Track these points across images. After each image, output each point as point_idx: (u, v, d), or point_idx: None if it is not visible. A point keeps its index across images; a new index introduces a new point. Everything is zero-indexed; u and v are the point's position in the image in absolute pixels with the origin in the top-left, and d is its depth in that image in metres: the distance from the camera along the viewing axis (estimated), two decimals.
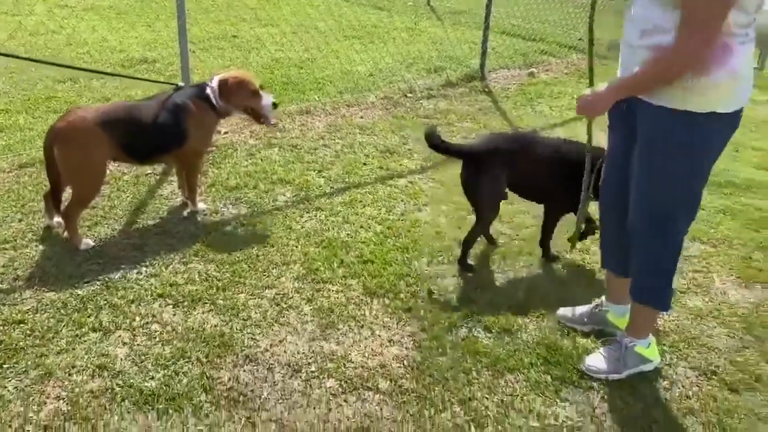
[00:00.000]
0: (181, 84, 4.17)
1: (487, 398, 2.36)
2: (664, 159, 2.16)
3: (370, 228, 3.49)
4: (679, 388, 2.45)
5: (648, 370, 2.49)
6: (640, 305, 2.42)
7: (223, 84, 3.31)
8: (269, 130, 4.65)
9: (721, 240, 3.53)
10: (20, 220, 3.34)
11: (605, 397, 2.39)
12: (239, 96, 3.35)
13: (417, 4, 10.01)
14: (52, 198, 3.18)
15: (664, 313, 2.65)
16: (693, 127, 2.08)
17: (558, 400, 2.37)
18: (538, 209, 3.32)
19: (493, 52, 7.05)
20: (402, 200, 3.85)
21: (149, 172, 3.98)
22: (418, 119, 5.29)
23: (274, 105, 3.45)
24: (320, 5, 9.31)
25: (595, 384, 2.45)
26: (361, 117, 5.26)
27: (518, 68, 7.01)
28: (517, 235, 3.50)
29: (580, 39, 7.93)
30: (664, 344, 2.67)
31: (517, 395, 2.38)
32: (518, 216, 3.69)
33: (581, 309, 2.76)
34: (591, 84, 2.47)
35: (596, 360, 2.50)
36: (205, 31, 7.31)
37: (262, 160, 4.26)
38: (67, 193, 3.21)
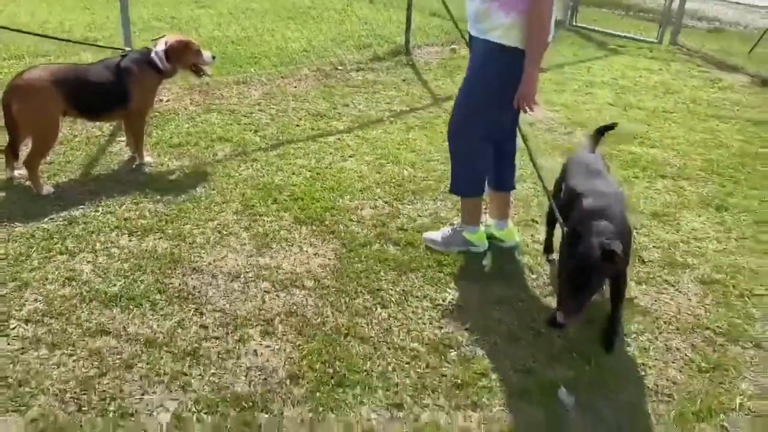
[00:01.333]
0: (128, 49, 4.56)
1: (391, 289, 2.94)
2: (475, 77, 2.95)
3: (300, 174, 4.02)
4: (543, 278, 3.09)
5: (476, 251, 3.23)
6: (461, 198, 3.22)
7: (171, 48, 3.78)
8: (208, 97, 5.11)
9: None
10: None
11: (484, 286, 3.01)
12: (187, 56, 3.85)
13: None
14: (11, 151, 3.59)
15: (479, 198, 3.23)
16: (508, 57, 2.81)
17: (448, 289, 2.97)
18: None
19: (419, 30, 7.63)
20: (330, 153, 4.39)
21: (98, 133, 4.39)
22: (348, 88, 5.82)
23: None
24: None
25: (479, 278, 3.06)
26: (295, 87, 5.76)
27: (441, 45, 7.62)
28: (427, 177, 4.09)
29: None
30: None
31: (416, 286, 2.98)
32: (430, 162, 4.28)
33: (445, 232, 3.35)
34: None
35: (434, 235, 3.30)
36: (145, 13, 7.63)
37: (202, 122, 4.73)
38: (25, 148, 3.61)
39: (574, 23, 9.10)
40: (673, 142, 4.88)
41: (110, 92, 3.67)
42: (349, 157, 4.35)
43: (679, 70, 7.17)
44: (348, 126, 4.92)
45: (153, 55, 3.78)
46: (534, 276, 3.13)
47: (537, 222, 3.62)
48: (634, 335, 2.75)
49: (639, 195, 3.99)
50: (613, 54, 7.73)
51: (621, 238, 2.43)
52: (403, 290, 2.95)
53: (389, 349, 2.59)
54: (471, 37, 2.99)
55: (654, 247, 3.42)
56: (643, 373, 2.54)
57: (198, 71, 3.97)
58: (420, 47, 7.37)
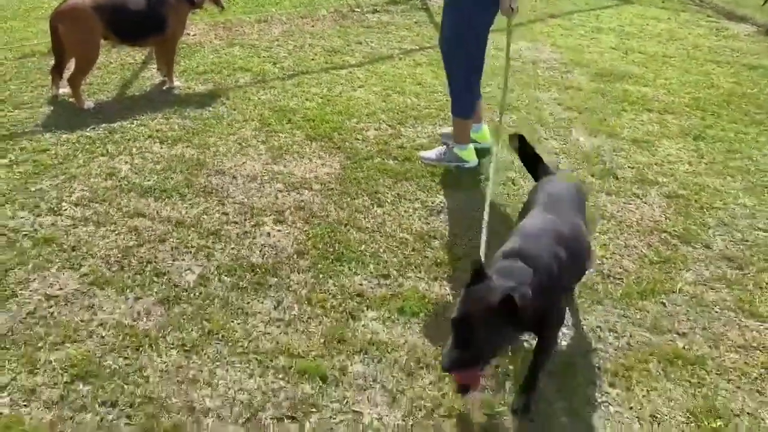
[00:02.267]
0: None
1: (388, 193, 3.37)
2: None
3: (313, 100, 4.42)
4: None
5: (466, 166, 3.62)
6: (455, 119, 3.59)
7: None
8: (231, 33, 5.50)
9: (586, 108, 4.55)
10: (32, 91, 4.18)
11: (469, 194, 3.42)
12: None
13: None
14: (57, 70, 4.03)
15: (469, 118, 3.63)
16: None
17: (438, 195, 3.38)
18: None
19: None
20: (341, 84, 4.77)
21: (132, 61, 4.82)
22: (362, 28, 6.16)
23: None
24: None
25: (466, 188, 3.47)
26: (313, 26, 6.10)
27: None
28: (429, 106, 4.46)
29: None
30: None
31: (409, 191, 3.39)
32: (433, 94, 4.65)
33: (439, 150, 3.77)
34: None
35: (429, 153, 3.70)
36: None
37: (225, 54, 5.12)
38: (69, 70, 4.05)
39: None
40: (666, 83, 5.17)
41: (148, 20, 4.07)
42: (359, 87, 4.72)
43: (687, 20, 7.34)
44: (359, 61, 5.28)
45: None
46: (516, 187, 3.52)
47: None
48: (597, 234, 3.15)
49: (623, 125, 4.32)
50: (624, 3, 7.90)
51: (541, 287, 1.97)
52: (398, 194, 3.37)
53: (382, 236, 3.02)
54: None
55: (629, 167, 3.78)
56: (599, 263, 2.95)
57: (218, 2, 4.39)
58: None
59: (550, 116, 4.39)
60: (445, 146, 3.71)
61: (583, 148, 3.99)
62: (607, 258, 2.99)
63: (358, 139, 3.93)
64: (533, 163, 2.79)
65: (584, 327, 2.58)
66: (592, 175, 3.66)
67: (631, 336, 2.55)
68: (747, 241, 3.18)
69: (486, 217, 2.63)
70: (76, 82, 3.97)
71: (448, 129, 3.91)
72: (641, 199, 3.48)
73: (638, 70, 5.45)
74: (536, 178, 2.74)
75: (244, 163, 3.56)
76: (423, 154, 3.72)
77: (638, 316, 2.65)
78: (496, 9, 3.18)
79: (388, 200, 3.31)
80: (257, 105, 4.26)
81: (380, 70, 5.06)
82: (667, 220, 3.30)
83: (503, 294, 1.83)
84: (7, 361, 2.23)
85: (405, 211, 3.23)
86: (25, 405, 2.08)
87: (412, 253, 2.92)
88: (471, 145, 3.67)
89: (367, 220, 3.14)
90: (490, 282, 1.93)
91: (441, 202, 3.33)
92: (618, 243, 3.10)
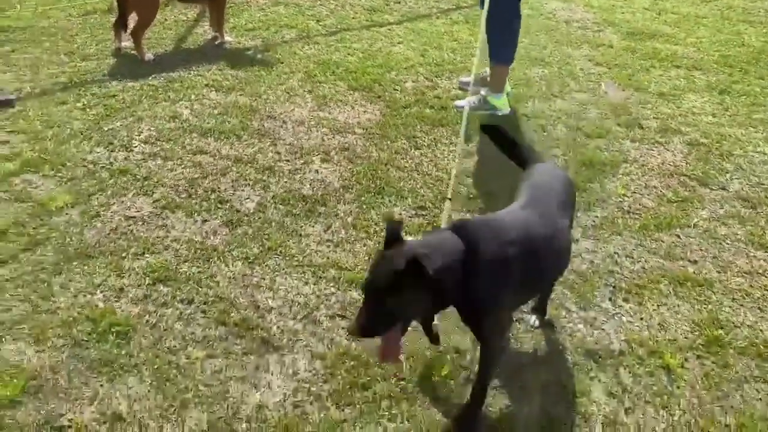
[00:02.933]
0: None
1: (425, 137, 3.65)
2: None
3: (354, 54, 4.69)
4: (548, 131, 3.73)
5: (499, 114, 3.86)
6: (492, 65, 3.80)
7: None
8: None
9: (616, 64, 4.73)
10: (96, 45, 4.53)
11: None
12: None
13: None
14: (120, 25, 4.37)
15: (508, 65, 3.89)
16: None
17: (474, 140, 3.65)
18: None
19: None
20: (381, 40, 5.02)
21: (185, 18, 5.13)
22: None
23: None
24: None
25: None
26: None
27: None
28: (465, 61, 4.69)
29: None
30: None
31: (444, 136, 3.67)
32: (469, 49, 4.87)
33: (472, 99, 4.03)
34: None
35: (463, 102, 3.85)
36: None
37: (271, 13, 5.40)
38: (130, 23, 4.39)
39: None
40: (696, 41, 5.29)
41: None
42: (398, 43, 4.97)
43: None
44: (398, 19, 5.51)
45: None
46: (537, 130, 3.76)
47: (556, 96, 4.21)
48: (620, 175, 3.39)
49: (651, 80, 4.50)
50: None
51: (473, 267, 1.81)
52: (434, 138, 3.64)
53: (419, 175, 3.32)
54: None
55: (654, 117, 3.99)
56: (620, 200, 3.20)
57: None
58: None
59: (580, 71, 4.59)
60: (478, 96, 3.96)
61: (611, 100, 4.20)
62: (627, 196, 3.23)
63: (397, 90, 4.19)
64: (512, 151, 2.54)
65: (602, 253, 2.85)
66: (618, 125, 3.88)
67: (645, 261, 2.81)
68: (763, 184, 3.38)
69: (450, 189, 2.64)
70: (138, 36, 4.30)
71: (466, 77, 4.15)
72: (664, 146, 3.69)
73: (670, 30, 5.57)
74: (521, 165, 2.45)
75: (292, 110, 3.87)
76: (457, 103, 3.97)
77: (653, 246, 2.91)
78: None
79: (425, 143, 3.59)
80: (302, 59, 4.55)
81: (418, 28, 5.29)
82: (687, 165, 3.52)
83: (409, 257, 1.70)
84: (97, 267, 2.60)
85: (441, 153, 3.51)
86: (116, 300, 2.45)
87: (447, 189, 3.20)
88: (505, 94, 3.91)
89: (405, 160, 3.43)
90: (403, 246, 1.81)
91: (474, 144, 3.60)
92: (639, 184, 3.34)
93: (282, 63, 4.46)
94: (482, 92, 3.95)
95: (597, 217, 3.07)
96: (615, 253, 2.85)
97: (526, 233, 1.96)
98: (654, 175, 3.42)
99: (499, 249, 1.87)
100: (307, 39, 4.91)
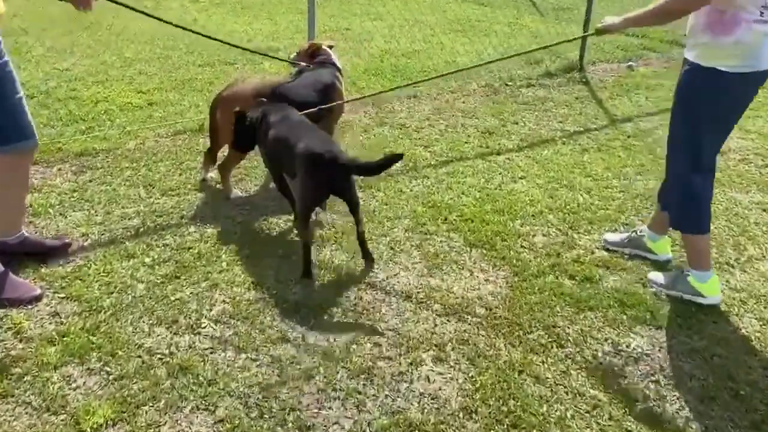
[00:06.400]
0: (303, 64, 4.67)
1: (568, 327, 2.79)
2: (681, 105, 2.77)
3: (470, 194, 3.96)
4: (743, 331, 2.77)
5: (701, 302, 2.92)
6: (683, 235, 2.94)
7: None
8: (380, 110, 5.21)
9: None
10: (180, 174, 4.05)
11: (673, 334, 2.76)
12: None
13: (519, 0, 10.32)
14: (210, 155, 3.87)
15: (702, 234, 2.90)
16: (702, 78, 2.63)
17: (631, 333, 2.76)
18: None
19: (593, 46, 7.30)
20: (500, 173, 4.29)
21: None
22: (517, 105, 5.69)
23: None
24: (425, 1, 9.83)
25: (664, 324, 2.81)
26: (463, 102, 5.72)
27: (618, 62, 7.23)
28: (605, 206, 3.85)
29: (683, 35, 7.99)
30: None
31: (595, 327, 2.79)
32: (607, 189, 4.04)
33: (623, 234, 3.32)
34: None
35: (657, 276, 3.05)
36: (321, 25, 7.98)
37: (375, 135, 4.82)
38: (221, 154, 3.88)
39: None
40: None
41: (311, 105, 3.72)
42: (520, 178, 4.22)
43: None
44: (517, 144, 4.79)
45: (339, 64, 3.95)
46: (731, 328, 2.82)
47: (732, 266, 3.28)
48: None
49: None
50: None
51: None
52: (581, 330, 2.78)
53: (567, 393, 2.44)
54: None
55: None
56: None
57: None
58: (594, 63, 7.06)
59: (755, 226, 3.63)
60: (680, 270, 3.04)
61: None
62: None
63: (524, 247, 3.40)
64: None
65: None
66: None
67: None
68: None
69: None
70: (227, 169, 3.78)
71: (614, 236, 3.37)
72: None
73: None
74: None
75: (396, 273, 3.14)
76: (651, 278, 3.11)
77: None
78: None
79: (570, 338, 2.73)
80: (409, 199, 3.86)
81: (542, 156, 4.54)
82: None
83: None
84: None
85: (593, 356, 2.64)
86: None
87: (610, 423, 2.31)
88: (713, 273, 2.96)
89: (545, 365, 2.58)
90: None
91: (638, 345, 2.70)
92: None
93: (386, 205, 3.79)
94: (684, 269, 3.03)
95: None
96: None
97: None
98: None
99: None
100: (414, 171, 4.25)
